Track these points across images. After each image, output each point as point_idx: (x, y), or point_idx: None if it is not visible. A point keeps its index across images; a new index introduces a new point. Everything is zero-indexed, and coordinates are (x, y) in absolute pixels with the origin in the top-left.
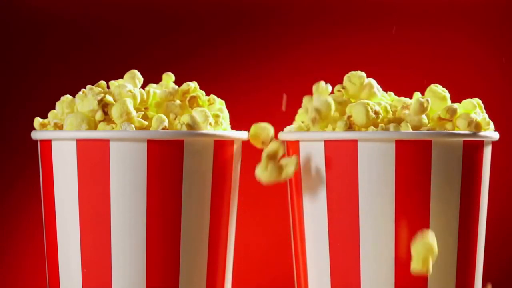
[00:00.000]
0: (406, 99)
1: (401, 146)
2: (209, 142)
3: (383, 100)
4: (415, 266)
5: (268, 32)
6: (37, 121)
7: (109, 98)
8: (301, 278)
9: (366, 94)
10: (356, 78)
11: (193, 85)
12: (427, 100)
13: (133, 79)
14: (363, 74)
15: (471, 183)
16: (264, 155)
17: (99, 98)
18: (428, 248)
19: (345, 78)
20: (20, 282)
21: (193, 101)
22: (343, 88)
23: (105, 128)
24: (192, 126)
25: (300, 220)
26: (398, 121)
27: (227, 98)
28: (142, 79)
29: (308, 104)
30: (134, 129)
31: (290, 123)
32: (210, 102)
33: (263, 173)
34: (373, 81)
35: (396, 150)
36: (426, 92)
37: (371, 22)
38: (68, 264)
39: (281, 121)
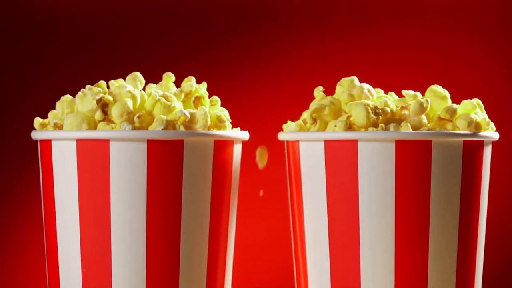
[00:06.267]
0: (406, 99)
1: (401, 146)
2: (209, 142)
3: (382, 100)
4: None
5: (268, 32)
6: (37, 121)
7: (108, 97)
8: (301, 278)
9: (358, 98)
10: (345, 82)
11: (195, 85)
12: (427, 100)
13: (134, 80)
14: (353, 78)
15: (471, 183)
16: None
17: (97, 98)
18: None
19: (337, 85)
20: (20, 282)
21: (198, 102)
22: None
23: (104, 128)
24: (188, 125)
25: (300, 220)
26: (398, 121)
27: (227, 98)
28: (144, 81)
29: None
30: (134, 129)
31: None
32: (212, 103)
33: None
34: (364, 85)
35: (396, 150)
36: (426, 92)
37: (371, 23)
38: (68, 264)
39: (281, 121)
